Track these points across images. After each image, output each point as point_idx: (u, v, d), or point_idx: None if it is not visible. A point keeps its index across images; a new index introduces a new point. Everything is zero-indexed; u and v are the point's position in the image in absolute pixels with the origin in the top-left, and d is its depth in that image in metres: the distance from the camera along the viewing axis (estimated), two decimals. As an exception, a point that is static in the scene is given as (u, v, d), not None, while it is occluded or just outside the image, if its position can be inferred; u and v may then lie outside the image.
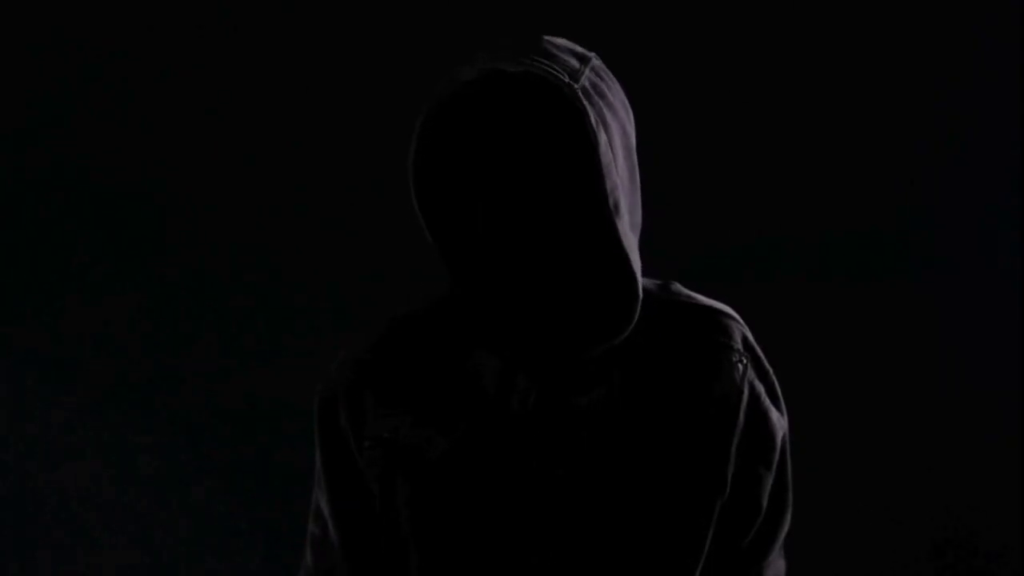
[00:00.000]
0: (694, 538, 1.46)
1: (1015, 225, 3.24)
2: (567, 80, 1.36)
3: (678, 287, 1.57)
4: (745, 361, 1.51)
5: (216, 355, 3.29)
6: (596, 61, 1.45)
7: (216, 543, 3.28)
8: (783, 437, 1.54)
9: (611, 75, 1.47)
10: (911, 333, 3.24)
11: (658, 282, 1.56)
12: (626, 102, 1.48)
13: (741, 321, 1.54)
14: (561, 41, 1.46)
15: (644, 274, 1.55)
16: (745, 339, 1.52)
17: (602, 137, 1.36)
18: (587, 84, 1.39)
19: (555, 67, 1.37)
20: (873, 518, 3.25)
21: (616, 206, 1.38)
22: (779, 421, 1.53)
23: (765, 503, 1.52)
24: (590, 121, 1.35)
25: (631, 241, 1.43)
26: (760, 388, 1.51)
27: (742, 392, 1.49)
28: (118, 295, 3.28)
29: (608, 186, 1.37)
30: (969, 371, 3.24)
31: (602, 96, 1.41)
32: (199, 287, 3.29)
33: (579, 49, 1.46)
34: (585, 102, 1.36)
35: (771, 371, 1.54)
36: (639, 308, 1.43)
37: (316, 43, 3.28)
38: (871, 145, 3.25)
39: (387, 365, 1.51)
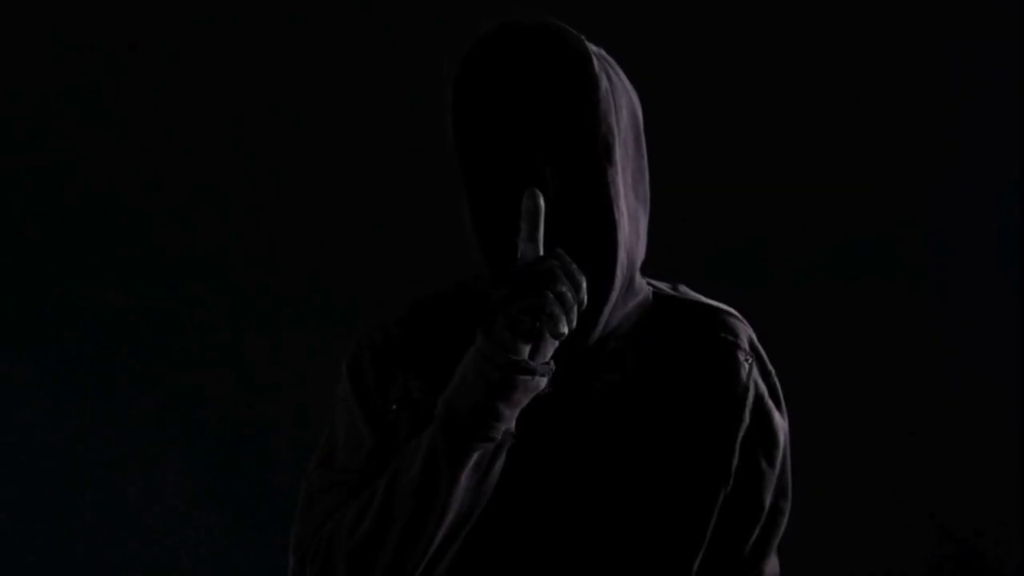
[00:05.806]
0: (696, 524, 1.50)
1: (1015, 225, 3.25)
2: (575, 33, 1.47)
3: (685, 288, 1.62)
4: (751, 360, 1.55)
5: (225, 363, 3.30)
6: (603, 51, 1.53)
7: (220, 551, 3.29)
8: (785, 438, 1.58)
9: (617, 65, 1.54)
10: (911, 333, 3.25)
11: (667, 283, 1.61)
12: (632, 87, 1.54)
13: (747, 323, 1.59)
14: None
15: (652, 276, 1.58)
16: (751, 340, 1.57)
17: (603, 83, 1.45)
18: (594, 48, 1.49)
19: (565, 24, 1.48)
20: (873, 518, 3.26)
21: (608, 152, 1.44)
22: (781, 421, 1.58)
23: (767, 502, 1.55)
24: (593, 65, 1.44)
25: (629, 200, 1.48)
26: (763, 388, 1.56)
27: (748, 389, 1.53)
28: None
29: (602, 130, 1.44)
30: (969, 371, 3.24)
31: (609, 64, 1.50)
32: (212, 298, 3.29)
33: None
34: (591, 54, 1.45)
35: (774, 373, 1.58)
36: (619, 270, 1.47)
37: (315, 44, 3.28)
38: (871, 146, 3.26)
39: (413, 337, 1.55)
